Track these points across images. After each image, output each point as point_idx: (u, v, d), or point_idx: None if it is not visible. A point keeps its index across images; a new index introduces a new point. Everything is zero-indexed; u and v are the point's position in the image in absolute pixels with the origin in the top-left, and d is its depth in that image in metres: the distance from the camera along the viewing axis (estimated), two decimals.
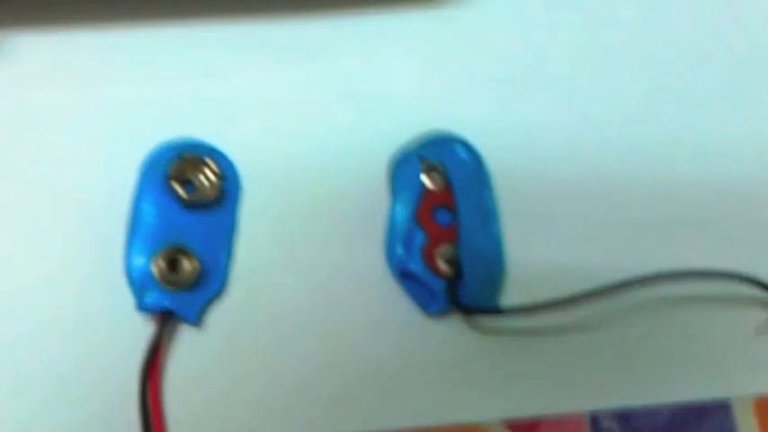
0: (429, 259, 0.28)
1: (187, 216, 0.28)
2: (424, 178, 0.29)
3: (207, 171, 0.28)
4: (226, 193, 0.28)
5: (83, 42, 0.30)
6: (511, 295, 0.28)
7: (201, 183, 0.28)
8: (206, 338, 0.27)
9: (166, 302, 0.27)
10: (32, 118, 0.29)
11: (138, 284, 0.27)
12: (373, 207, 0.29)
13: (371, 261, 0.28)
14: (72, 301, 0.27)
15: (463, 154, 0.29)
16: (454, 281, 0.28)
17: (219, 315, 0.28)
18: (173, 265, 0.27)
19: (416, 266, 0.28)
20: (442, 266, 0.28)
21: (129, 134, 0.29)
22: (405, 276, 0.28)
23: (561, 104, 0.31)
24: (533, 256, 0.29)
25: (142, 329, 0.27)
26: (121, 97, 0.29)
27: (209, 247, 0.28)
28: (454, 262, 0.28)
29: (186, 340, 0.27)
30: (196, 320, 0.27)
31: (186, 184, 0.28)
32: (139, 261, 0.27)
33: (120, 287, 0.27)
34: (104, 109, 0.29)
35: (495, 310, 0.28)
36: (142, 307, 0.27)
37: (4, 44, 0.29)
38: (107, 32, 0.30)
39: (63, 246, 0.28)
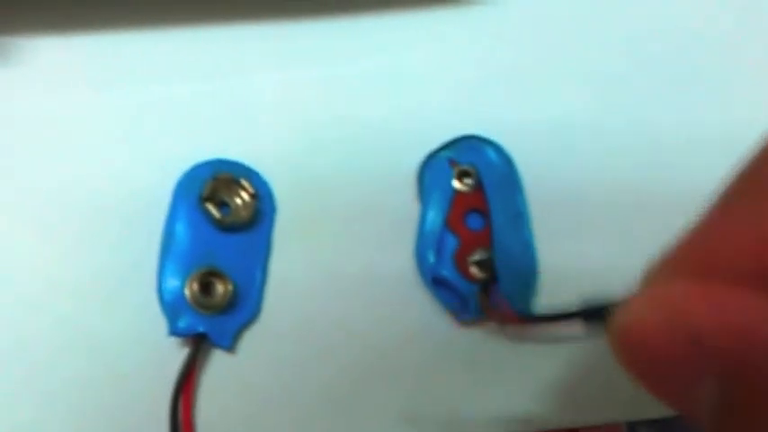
0: (461, 265, 0.27)
1: (221, 237, 0.27)
2: (455, 182, 0.28)
3: (241, 192, 0.27)
4: (260, 213, 0.28)
5: (103, 47, 0.30)
6: (543, 301, 0.28)
7: (236, 203, 0.27)
8: (239, 361, 0.27)
9: (200, 327, 0.26)
10: (60, 130, 0.29)
11: (171, 308, 0.26)
12: (403, 213, 0.28)
13: (403, 269, 0.28)
14: (104, 324, 0.27)
15: (494, 156, 0.29)
16: (487, 286, 0.27)
17: (253, 338, 0.27)
18: (206, 287, 0.26)
19: (449, 273, 0.27)
20: (475, 272, 0.27)
21: (160, 150, 0.28)
22: (437, 283, 0.27)
23: (594, 105, 0.30)
24: (566, 260, 0.28)
25: (175, 352, 0.26)
26: (148, 106, 0.29)
27: (243, 269, 0.27)
28: (487, 267, 0.27)
29: (219, 363, 0.27)
30: (229, 345, 0.27)
31: (220, 204, 0.27)
32: (173, 284, 0.27)
33: (152, 309, 0.27)
34: (131, 117, 0.29)
35: (530, 318, 0.27)
36: (175, 331, 0.26)
37: (24, 49, 0.29)
38: (129, 36, 0.30)
39: (95, 267, 0.27)
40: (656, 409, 0.27)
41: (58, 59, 0.29)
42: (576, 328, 0.21)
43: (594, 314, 0.20)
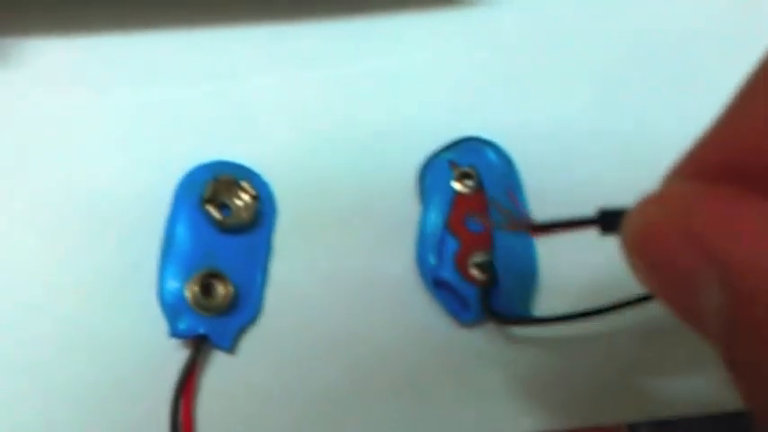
0: (462, 267, 0.27)
1: (221, 239, 0.27)
2: (456, 183, 0.28)
3: (242, 193, 0.27)
4: (261, 215, 0.28)
5: (104, 49, 0.30)
6: (544, 303, 0.28)
7: (236, 205, 0.27)
8: (240, 363, 0.27)
9: (200, 328, 0.26)
10: (61, 131, 0.29)
11: (172, 309, 0.26)
12: (404, 215, 0.28)
13: (404, 271, 0.28)
14: (105, 326, 0.27)
15: (494, 157, 0.29)
16: (488, 288, 0.27)
17: (253, 339, 0.27)
18: (206, 289, 0.26)
19: (449, 275, 0.27)
20: (476, 274, 0.27)
21: (161, 151, 0.29)
22: (437, 285, 0.27)
23: (594, 106, 0.30)
24: (566, 262, 0.28)
25: (175, 354, 0.26)
26: (149, 108, 0.29)
27: (244, 270, 0.27)
28: (488, 269, 0.27)
29: (220, 365, 0.27)
30: (230, 347, 0.26)
31: (221, 206, 0.27)
32: (173, 285, 0.27)
33: (153, 311, 0.27)
34: (132, 119, 0.29)
35: (530, 320, 0.27)
36: (176, 333, 0.26)
37: (25, 51, 0.29)
38: (130, 38, 0.30)
39: (96, 268, 0.27)
40: (658, 409, 0.27)
41: (60, 61, 0.29)
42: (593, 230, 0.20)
43: (610, 219, 0.19)
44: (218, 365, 0.27)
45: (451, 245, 0.28)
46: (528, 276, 0.28)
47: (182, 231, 0.27)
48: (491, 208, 0.27)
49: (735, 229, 0.14)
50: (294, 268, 0.28)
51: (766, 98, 0.15)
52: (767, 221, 0.14)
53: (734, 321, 0.14)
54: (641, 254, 0.16)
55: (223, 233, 0.27)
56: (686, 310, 0.16)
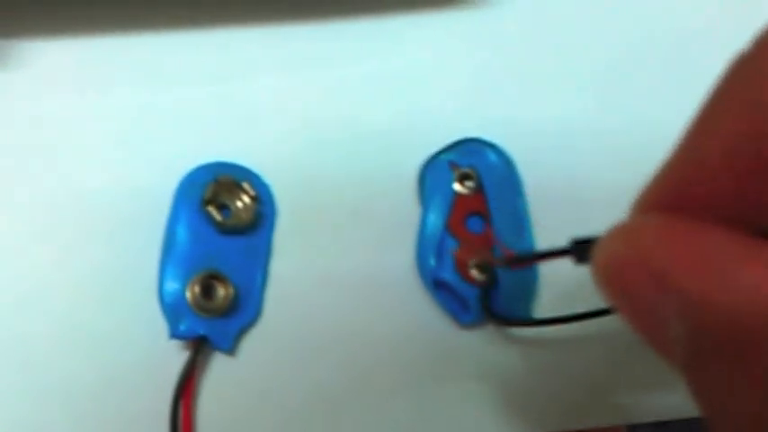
0: (461, 268, 0.27)
1: (222, 240, 0.27)
2: (456, 185, 0.28)
3: (242, 195, 0.27)
4: (261, 216, 0.28)
5: (104, 50, 0.30)
6: (544, 305, 0.28)
7: (237, 206, 0.27)
8: (240, 364, 0.27)
9: (200, 330, 0.26)
10: (62, 132, 0.29)
11: (172, 311, 0.26)
12: (405, 215, 0.28)
13: (404, 272, 0.28)
14: (105, 327, 0.27)
15: (494, 159, 0.29)
16: (488, 289, 0.27)
17: (253, 341, 0.27)
18: (207, 290, 0.26)
19: (449, 276, 0.27)
20: (476, 275, 0.27)
21: (162, 153, 0.29)
22: (437, 286, 0.27)
23: (594, 107, 0.30)
24: (566, 263, 0.28)
25: (175, 355, 0.26)
26: (149, 109, 0.29)
27: (244, 271, 0.27)
28: (487, 270, 0.27)
29: (220, 366, 0.27)
30: (230, 348, 0.27)
31: (221, 207, 0.27)
32: (174, 286, 0.27)
33: (153, 312, 0.27)
34: (132, 120, 0.29)
35: (530, 321, 0.27)
36: (176, 334, 0.26)
37: (26, 52, 0.29)
38: (131, 40, 0.30)
39: (96, 270, 0.27)
40: (657, 411, 0.27)
41: (60, 62, 0.30)
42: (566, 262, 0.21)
43: (582, 249, 0.20)
44: (218, 366, 0.27)
45: (451, 246, 0.28)
46: (528, 278, 0.28)
47: (182, 232, 0.27)
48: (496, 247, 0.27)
49: (688, 263, 0.14)
50: (294, 269, 0.28)
51: (720, 126, 0.15)
52: (718, 254, 0.14)
53: (693, 352, 0.15)
54: (608, 285, 0.16)
55: (223, 234, 0.27)
56: (653, 338, 0.16)
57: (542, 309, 0.28)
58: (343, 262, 0.28)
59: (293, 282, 0.28)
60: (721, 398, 0.14)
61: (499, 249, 0.27)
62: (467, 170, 0.28)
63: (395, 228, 0.28)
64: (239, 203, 0.28)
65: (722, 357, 0.14)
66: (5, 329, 0.26)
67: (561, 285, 0.28)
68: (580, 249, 0.20)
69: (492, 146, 0.29)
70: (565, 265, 0.28)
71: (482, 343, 0.27)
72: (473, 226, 0.28)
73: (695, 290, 0.14)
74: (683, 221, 0.15)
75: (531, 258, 0.26)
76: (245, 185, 0.28)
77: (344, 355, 0.27)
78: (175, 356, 0.26)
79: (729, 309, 0.14)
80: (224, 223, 0.27)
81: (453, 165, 0.28)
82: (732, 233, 0.14)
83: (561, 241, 0.28)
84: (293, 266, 0.28)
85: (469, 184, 0.28)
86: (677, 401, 0.27)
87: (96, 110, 0.29)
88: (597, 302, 0.26)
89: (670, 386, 0.28)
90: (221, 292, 0.27)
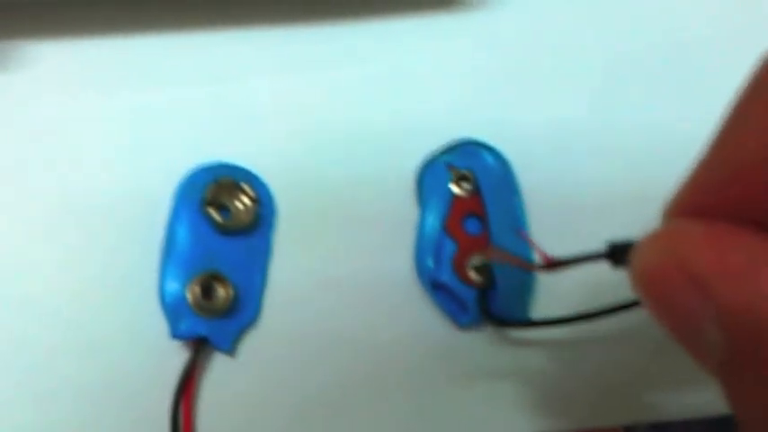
0: (460, 270, 0.27)
1: (222, 241, 0.27)
2: (453, 186, 0.28)
3: (242, 196, 0.28)
4: (261, 217, 0.28)
5: (104, 51, 0.30)
6: (541, 306, 0.28)
7: (237, 208, 0.28)
8: (240, 365, 0.27)
9: (201, 330, 0.26)
10: (62, 133, 0.29)
11: (172, 311, 0.26)
12: (402, 218, 0.29)
13: (402, 274, 0.28)
14: (106, 327, 0.27)
15: (491, 161, 0.29)
16: (486, 291, 0.27)
17: (253, 341, 0.27)
18: (207, 291, 0.27)
19: (447, 277, 0.27)
20: (474, 277, 0.27)
21: (162, 154, 0.29)
22: (435, 288, 0.28)
23: (591, 109, 0.30)
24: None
25: (175, 356, 0.26)
26: (149, 110, 0.29)
27: (244, 272, 0.27)
28: (485, 272, 0.27)
29: (220, 366, 0.27)
30: (230, 349, 0.27)
31: (221, 208, 0.28)
32: (174, 287, 0.27)
33: (153, 313, 0.27)
34: (132, 121, 0.29)
35: (528, 323, 0.27)
36: (176, 334, 0.26)
37: (26, 53, 0.29)
38: (129, 41, 0.30)
39: (97, 270, 0.27)
40: (655, 412, 0.28)
41: (60, 64, 0.29)
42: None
43: (619, 253, 0.20)
44: (219, 367, 0.27)
45: (449, 248, 0.28)
46: (526, 279, 0.28)
47: (182, 234, 0.27)
48: (496, 257, 0.27)
49: (727, 271, 0.14)
50: (294, 270, 0.28)
51: (753, 126, 0.15)
52: (758, 261, 0.14)
53: (729, 359, 0.15)
54: (646, 290, 0.17)
55: (223, 235, 0.27)
56: (688, 342, 0.16)
57: (540, 310, 0.28)
58: (342, 263, 0.28)
59: (293, 282, 0.28)
60: (756, 403, 0.14)
61: (537, 253, 0.27)
62: (464, 172, 0.28)
63: (393, 229, 0.28)
64: (239, 204, 0.28)
65: (759, 365, 0.14)
66: (6, 330, 0.26)
67: (559, 287, 0.28)
68: (618, 253, 0.20)
69: (489, 148, 0.29)
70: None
71: (480, 344, 0.28)
72: (471, 227, 0.28)
73: (734, 298, 0.14)
74: (722, 228, 0.15)
75: (568, 262, 0.25)
76: (245, 187, 0.28)
77: (343, 356, 0.27)
78: (176, 357, 0.26)
79: None
80: (224, 224, 0.27)
81: (451, 166, 0.29)
82: None
83: (559, 242, 0.28)
84: (293, 267, 0.28)
85: (467, 185, 0.28)
86: (675, 403, 0.28)
87: (96, 111, 0.29)
88: (594, 304, 0.27)
89: (668, 387, 0.28)
90: (221, 292, 0.27)
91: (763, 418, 0.14)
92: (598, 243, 0.28)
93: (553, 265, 0.24)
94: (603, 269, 0.28)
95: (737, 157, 0.16)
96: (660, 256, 0.16)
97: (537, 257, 0.26)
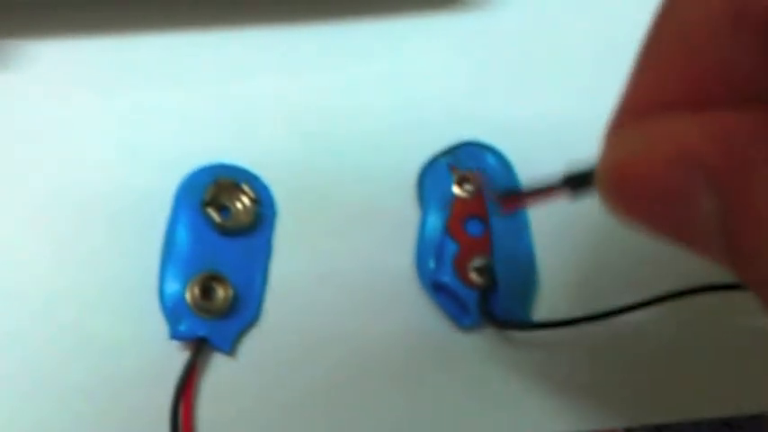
0: (461, 271, 0.27)
1: (222, 242, 0.27)
2: (455, 187, 0.28)
3: (242, 196, 0.28)
4: (261, 217, 0.28)
5: (104, 51, 0.30)
6: (543, 308, 0.28)
7: (237, 208, 0.28)
8: (239, 365, 0.27)
9: (200, 331, 0.26)
10: (61, 133, 0.29)
11: (172, 312, 0.26)
12: (403, 218, 0.28)
13: (403, 275, 0.28)
14: (105, 328, 0.27)
15: (493, 161, 0.29)
16: (487, 293, 0.27)
17: (253, 342, 0.27)
18: (207, 292, 0.26)
19: (448, 278, 0.27)
20: (475, 278, 0.27)
21: (162, 154, 0.29)
22: (437, 289, 0.28)
23: (595, 109, 0.30)
24: (565, 266, 0.28)
25: (175, 356, 0.26)
26: (149, 110, 0.29)
27: (244, 273, 0.27)
28: (487, 273, 0.27)
29: (219, 367, 0.27)
30: (230, 349, 0.27)
31: (221, 209, 0.27)
32: (174, 288, 0.27)
33: (153, 313, 0.27)
34: (132, 122, 0.29)
35: (529, 325, 0.27)
36: (176, 335, 0.26)
37: (26, 52, 0.29)
38: (132, 40, 0.30)
39: (96, 271, 0.27)
40: (656, 414, 0.27)
41: (60, 64, 0.29)
42: (563, 196, 0.21)
43: (579, 180, 0.20)
44: (218, 368, 0.27)
45: (451, 248, 0.28)
46: (527, 281, 0.28)
47: (182, 234, 0.27)
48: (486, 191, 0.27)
49: (707, 136, 0.15)
50: (294, 271, 0.28)
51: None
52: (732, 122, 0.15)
53: (732, 218, 0.15)
54: (623, 188, 0.17)
55: (223, 236, 0.27)
56: (681, 229, 0.16)
57: (541, 312, 0.28)
58: (343, 264, 0.28)
59: (293, 283, 0.28)
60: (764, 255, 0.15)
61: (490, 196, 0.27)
62: (466, 173, 0.28)
63: (394, 230, 0.28)
64: (239, 205, 0.28)
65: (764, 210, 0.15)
66: (5, 332, 0.26)
67: (559, 289, 0.28)
68: (577, 180, 0.20)
69: (491, 148, 0.29)
70: (564, 268, 0.28)
71: (481, 346, 0.27)
72: (472, 229, 0.28)
73: (721, 155, 0.15)
74: (709, 113, 0.16)
75: (523, 195, 0.25)
76: (245, 187, 0.28)
77: (343, 357, 0.27)
78: (175, 357, 0.26)
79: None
80: (224, 225, 0.27)
81: (453, 167, 0.29)
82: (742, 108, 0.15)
83: (560, 244, 0.28)
84: (293, 268, 0.28)
85: (468, 186, 0.28)
86: (676, 404, 0.28)
87: (95, 111, 0.29)
88: (595, 307, 0.27)
89: (668, 389, 0.28)
90: (221, 293, 0.27)
91: None
92: (601, 250, 0.29)
93: (510, 201, 0.24)
94: (605, 272, 0.28)
95: (684, 35, 0.17)
96: (653, 148, 0.16)
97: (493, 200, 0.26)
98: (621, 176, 0.17)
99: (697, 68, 0.16)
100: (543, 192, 0.22)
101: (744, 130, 0.15)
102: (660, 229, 0.17)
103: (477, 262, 0.27)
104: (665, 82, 0.17)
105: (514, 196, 0.24)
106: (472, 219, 0.28)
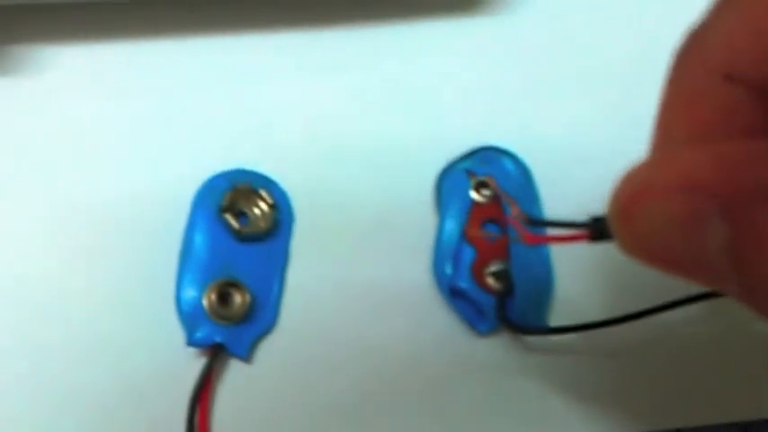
0: (478, 276, 0.27)
1: (239, 248, 0.27)
2: (473, 193, 0.28)
3: (260, 202, 0.28)
4: (278, 223, 0.28)
5: (122, 56, 0.30)
6: (559, 313, 0.28)
7: (254, 214, 0.28)
8: (256, 372, 0.27)
9: (217, 337, 0.26)
10: (79, 139, 0.29)
11: (189, 318, 0.26)
12: (421, 224, 0.28)
13: (420, 280, 0.28)
14: (122, 334, 0.27)
15: (511, 167, 0.29)
16: (504, 298, 0.27)
17: (270, 348, 0.27)
18: (224, 298, 0.26)
19: (465, 284, 0.27)
20: (492, 283, 0.27)
21: (180, 160, 0.29)
22: (454, 294, 0.27)
23: (611, 115, 0.30)
24: (582, 272, 0.28)
25: (192, 362, 0.26)
26: (168, 116, 0.29)
27: (261, 279, 0.27)
28: (504, 279, 0.27)
29: (236, 373, 0.27)
30: (246, 356, 0.27)
31: (239, 215, 0.27)
32: (191, 294, 0.27)
33: (170, 320, 0.27)
34: (150, 127, 0.29)
35: (545, 330, 0.27)
36: (193, 342, 0.26)
37: (43, 58, 0.29)
38: (150, 45, 0.30)
39: (114, 277, 0.27)
40: (671, 419, 0.27)
41: (77, 68, 0.29)
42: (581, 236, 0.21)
43: (601, 226, 0.20)
44: (235, 374, 0.27)
45: (468, 254, 0.28)
46: (544, 286, 0.28)
47: (199, 240, 0.27)
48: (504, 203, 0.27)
49: (716, 167, 0.16)
50: (311, 277, 0.28)
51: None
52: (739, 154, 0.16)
53: (742, 246, 0.15)
54: (633, 221, 0.17)
55: (241, 242, 0.27)
56: (692, 261, 0.17)
57: (557, 317, 0.28)
58: (360, 269, 0.28)
59: (310, 289, 0.28)
60: None
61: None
62: (483, 178, 0.28)
63: (412, 235, 0.28)
64: (257, 211, 0.28)
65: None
66: (23, 336, 0.26)
67: (576, 294, 0.28)
68: (599, 225, 0.20)
69: (509, 154, 0.29)
70: (581, 273, 0.28)
71: (498, 351, 0.27)
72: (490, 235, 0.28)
73: (730, 184, 0.15)
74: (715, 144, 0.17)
75: (547, 223, 0.26)
76: (263, 193, 0.28)
77: (360, 363, 0.27)
78: (192, 363, 0.26)
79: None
80: (241, 231, 0.27)
81: (470, 173, 0.28)
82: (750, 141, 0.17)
83: (576, 249, 0.28)
84: (310, 274, 0.28)
85: (486, 192, 0.28)
86: (693, 408, 0.27)
87: (114, 117, 0.29)
88: (611, 312, 0.27)
89: (685, 393, 0.28)
90: (238, 299, 0.27)
91: None
92: (616, 255, 0.28)
93: (534, 236, 0.24)
94: (621, 278, 0.28)
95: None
96: (655, 176, 0.17)
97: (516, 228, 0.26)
98: (633, 207, 0.17)
99: (700, 110, 0.18)
100: (565, 225, 0.22)
101: (751, 158, 0.15)
102: (672, 265, 0.17)
103: (494, 267, 0.27)
104: (671, 123, 0.19)
105: (538, 232, 0.25)
106: (489, 224, 0.28)
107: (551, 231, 0.26)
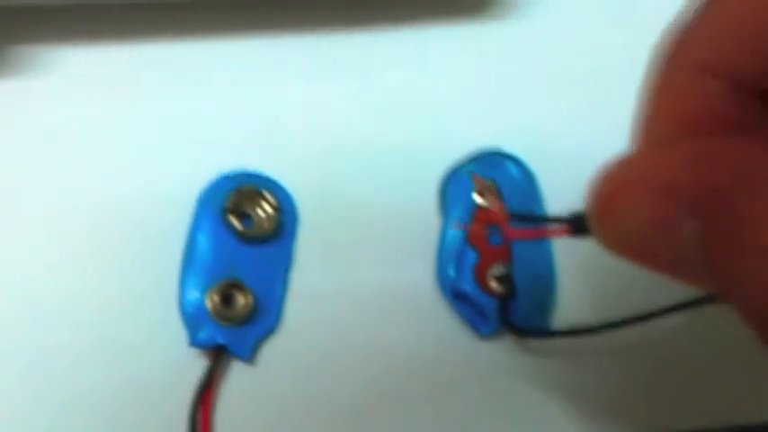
0: (481, 279, 0.27)
1: (243, 249, 0.27)
2: (476, 196, 0.28)
3: (264, 204, 0.28)
4: (282, 225, 0.28)
5: (128, 58, 0.30)
6: (561, 316, 0.28)
7: (258, 216, 0.28)
8: (258, 373, 0.27)
9: (220, 338, 0.26)
10: (84, 141, 0.29)
11: (192, 319, 0.26)
12: (425, 227, 0.28)
13: (424, 283, 0.28)
14: (125, 335, 0.27)
15: (515, 171, 0.29)
16: (506, 301, 0.27)
17: (272, 350, 0.27)
18: (227, 299, 0.27)
19: (468, 286, 0.27)
20: (495, 286, 0.27)
21: (184, 161, 0.29)
22: (456, 297, 0.27)
23: (615, 119, 0.30)
24: (584, 275, 0.28)
25: (194, 363, 0.26)
26: (172, 118, 0.29)
27: (264, 281, 0.27)
28: (506, 282, 0.27)
29: (238, 375, 0.27)
30: (249, 357, 0.27)
31: (243, 216, 0.27)
32: (194, 295, 0.27)
33: (173, 321, 0.27)
34: (155, 128, 0.29)
35: (548, 333, 0.27)
36: (195, 343, 0.26)
37: (50, 59, 0.29)
38: (157, 47, 0.30)
39: (117, 278, 0.27)
40: (674, 422, 0.27)
41: (83, 70, 0.30)
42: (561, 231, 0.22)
43: (581, 221, 0.20)
44: (237, 376, 0.27)
45: (471, 257, 0.28)
46: (546, 289, 0.28)
47: (203, 241, 0.27)
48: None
49: (690, 164, 0.16)
50: (315, 279, 0.28)
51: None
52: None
53: (711, 243, 0.16)
54: (609, 216, 0.18)
55: (244, 243, 0.27)
56: (667, 256, 0.17)
57: (560, 320, 0.28)
58: (364, 272, 0.28)
59: (313, 291, 0.28)
60: (741, 276, 0.16)
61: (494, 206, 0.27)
62: (487, 182, 0.28)
63: (415, 238, 0.28)
64: (261, 212, 0.28)
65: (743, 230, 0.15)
66: (27, 338, 0.26)
67: (578, 297, 0.28)
68: (577, 221, 0.21)
69: (512, 158, 0.29)
70: (583, 277, 0.28)
71: (500, 354, 0.27)
72: (493, 237, 0.28)
73: (699, 180, 0.16)
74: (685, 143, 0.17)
75: (525, 218, 0.26)
76: (267, 195, 0.28)
77: (363, 365, 0.27)
78: (195, 364, 0.26)
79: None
80: (245, 232, 0.27)
81: (474, 176, 0.28)
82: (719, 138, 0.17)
83: (579, 251, 0.28)
84: (313, 276, 0.28)
85: (489, 195, 0.28)
86: (697, 411, 0.27)
87: (118, 118, 0.29)
88: (613, 314, 0.27)
89: (688, 396, 0.28)
90: (241, 300, 0.27)
91: (761, 289, 0.15)
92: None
93: (517, 231, 0.25)
94: (623, 281, 0.28)
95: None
96: (630, 175, 0.17)
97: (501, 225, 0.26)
98: (609, 204, 0.17)
99: (682, 106, 0.18)
100: (545, 220, 0.23)
101: (722, 157, 0.16)
102: (649, 261, 0.18)
103: (497, 270, 0.27)
104: (653, 118, 0.19)
105: (522, 227, 0.25)
106: (493, 227, 0.28)
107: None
